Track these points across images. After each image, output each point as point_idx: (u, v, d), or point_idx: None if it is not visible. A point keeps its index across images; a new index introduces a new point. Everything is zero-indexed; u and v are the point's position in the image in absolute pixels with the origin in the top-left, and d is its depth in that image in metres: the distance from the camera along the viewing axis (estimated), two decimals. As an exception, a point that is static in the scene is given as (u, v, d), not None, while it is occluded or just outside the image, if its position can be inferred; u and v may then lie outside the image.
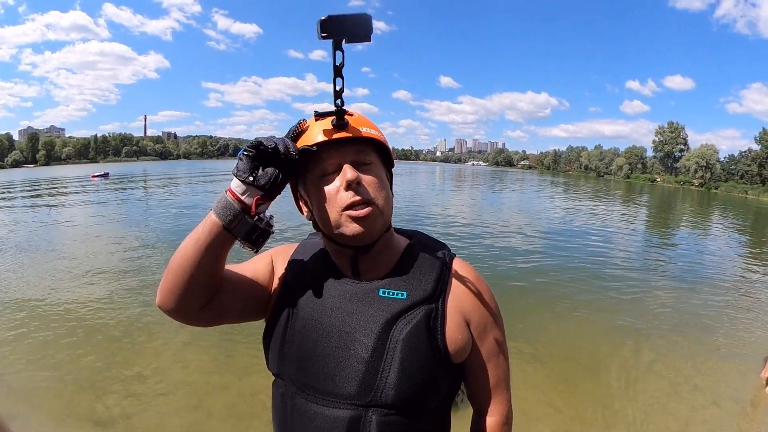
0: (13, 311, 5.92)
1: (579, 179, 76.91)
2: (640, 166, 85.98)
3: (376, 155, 0.90)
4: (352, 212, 0.82)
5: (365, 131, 0.85)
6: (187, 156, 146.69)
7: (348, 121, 0.83)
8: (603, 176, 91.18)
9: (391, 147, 0.95)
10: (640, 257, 10.91)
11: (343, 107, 0.82)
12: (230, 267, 0.93)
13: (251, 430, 3.42)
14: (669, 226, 19.07)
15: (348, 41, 0.75)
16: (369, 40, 0.75)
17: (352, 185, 0.82)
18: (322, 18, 0.72)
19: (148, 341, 4.94)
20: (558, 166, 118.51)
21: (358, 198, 0.82)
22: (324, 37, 0.73)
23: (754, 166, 61.68)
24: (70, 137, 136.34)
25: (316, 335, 0.87)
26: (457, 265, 0.95)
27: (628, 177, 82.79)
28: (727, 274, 9.52)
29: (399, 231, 1.01)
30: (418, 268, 0.91)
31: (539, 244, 11.41)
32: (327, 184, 0.85)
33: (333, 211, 0.84)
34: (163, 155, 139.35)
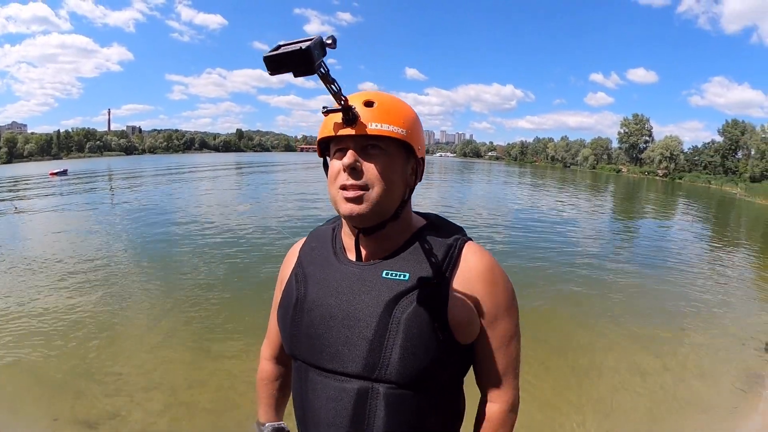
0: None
1: (546, 170, 78.30)
2: (605, 157, 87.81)
3: (394, 144, 0.91)
4: (344, 193, 0.88)
5: (372, 128, 0.87)
6: (152, 150, 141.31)
7: (357, 116, 0.86)
8: (569, 167, 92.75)
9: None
10: (604, 243, 11.36)
11: (348, 105, 0.83)
12: (273, 316, 1.10)
13: (232, 421, 3.53)
14: (634, 214, 19.61)
15: (296, 75, 0.69)
16: (314, 73, 0.69)
17: (347, 169, 0.87)
18: (263, 56, 0.67)
19: (122, 339, 4.95)
20: (525, 157, 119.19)
21: (351, 182, 0.87)
22: (272, 74, 0.69)
23: (717, 157, 64.01)
24: (32, 133, 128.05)
25: (323, 317, 0.92)
26: (469, 249, 0.95)
27: (594, 168, 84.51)
28: (690, 258, 10.03)
29: (417, 213, 1.04)
30: (425, 251, 0.93)
31: (506, 231, 11.68)
32: (335, 164, 0.91)
33: (333, 189, 0.91)
34: (128, 150, 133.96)
